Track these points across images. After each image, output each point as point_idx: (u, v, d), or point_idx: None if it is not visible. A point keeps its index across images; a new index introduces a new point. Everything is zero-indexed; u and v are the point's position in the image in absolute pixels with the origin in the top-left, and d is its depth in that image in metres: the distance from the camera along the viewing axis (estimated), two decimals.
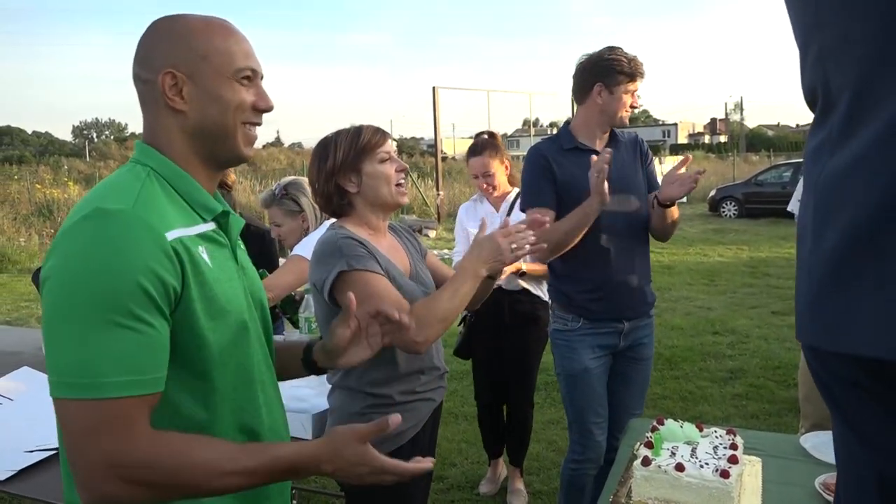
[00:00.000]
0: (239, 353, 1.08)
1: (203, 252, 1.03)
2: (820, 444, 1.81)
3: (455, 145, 40.59)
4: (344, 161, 1.72)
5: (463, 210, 3.38)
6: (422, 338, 1.53)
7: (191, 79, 1.05)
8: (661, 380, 4.89)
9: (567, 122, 2.54)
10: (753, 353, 5.50)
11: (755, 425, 4.01)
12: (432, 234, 14.49)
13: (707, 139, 69.16)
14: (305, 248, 2.49)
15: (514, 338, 3.15)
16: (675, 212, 2.38)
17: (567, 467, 2.51)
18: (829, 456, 1.71)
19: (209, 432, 1.02)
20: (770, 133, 69.68)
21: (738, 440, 1.67)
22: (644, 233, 2.45)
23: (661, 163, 15.61)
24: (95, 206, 0.94)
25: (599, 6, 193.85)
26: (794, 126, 76.60)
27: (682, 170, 2.27)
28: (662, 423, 1.74)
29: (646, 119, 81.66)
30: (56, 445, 1.28)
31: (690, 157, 2.39)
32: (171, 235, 0.97)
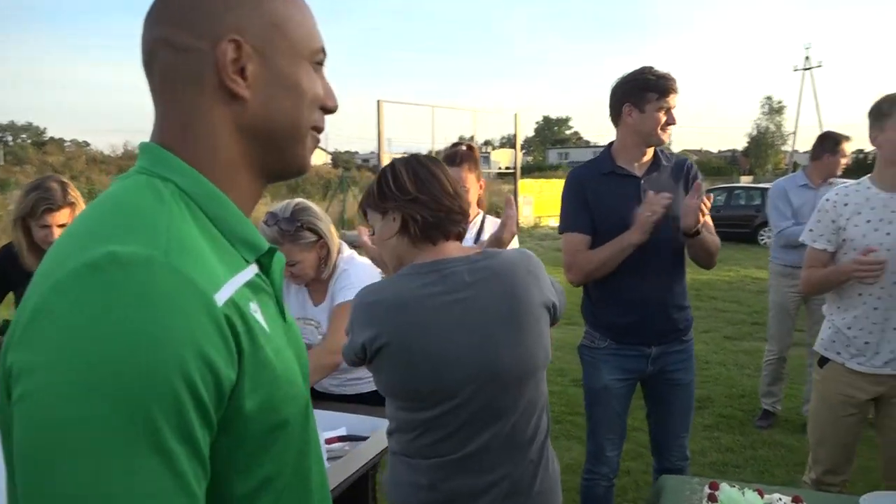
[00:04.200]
0: (300, 462, 0.76)
1: (256, 311, 0.71)
2: None
3: (391, 160, 40.48)
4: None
5: None
6: None
7: (260, 54, 0.74)
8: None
9: (609, 145, 2.46)
10: (716, 381, 5.44)
11: (733, 460, 3.89)
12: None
13: None
14: (353, 290, 2.19)
15: None
16: (707, 239, 2.32)
17: (583, 478, 2.56)
18: None
19: None
20: (694, 158, 72.45)
21: None
22: (679, 259, 2.41)
23: None
24: (108, 250, 0.60)
25: (543, 28, 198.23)
26: (715, 152, 79.73)
27: (695, 198, 2.23)
28: (717, 488, 1.53)
29: (577, 141, 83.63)
30: None
31: (701, 182, 2.28)
32: (221, 297, 0.65)
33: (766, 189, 13.86)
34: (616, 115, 2.36)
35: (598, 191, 2.35)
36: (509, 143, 29.28)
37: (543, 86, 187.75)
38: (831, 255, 2.40)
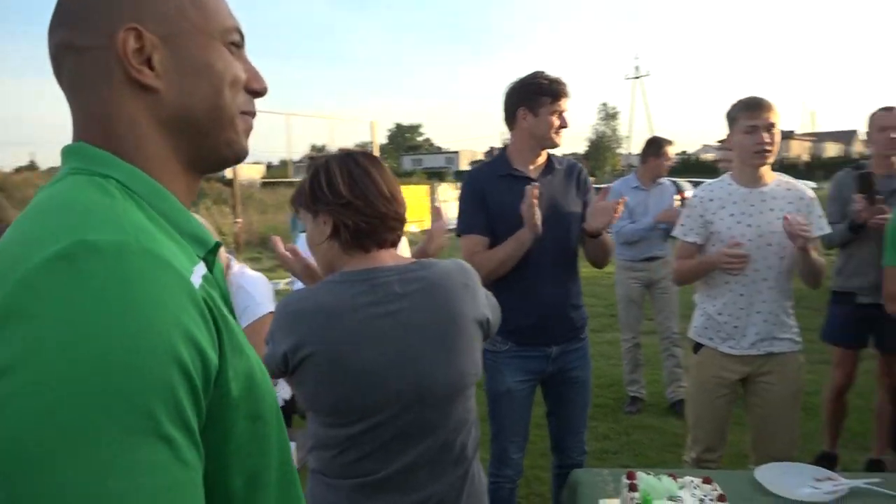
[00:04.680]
0: (283, 458, 0.74)
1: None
2: (773, 478, 1.76)
3: (242, 170, 39.13)
4: None
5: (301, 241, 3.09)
6: None
7: (166, 41, 0.70)
8: None
9: (504, 148, 2.50)
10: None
11: (610, 447, 4.09)
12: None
13: None
14: (261, 306, 2.10)
15: None
16: (607, 240, 2.44)
17: (487, 482, 2.43)
18: (790, 492, 1.66)
19: None
20: None
21: (717, 486, 1.57)
22: (575, 258, 2.47)
23: (458, 188, 16.26)
24: (77, 239, 0.56)
25: (394, 38, 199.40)
26: (559, 156, 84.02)
27: (604, 200, 2.33)
28: (634, 477, 1.58)
29: (429, 147, 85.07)
30: None
31: (611, 186, 2.40)
32: (195, 281, 0.62)
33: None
34: (511, 118, 2.41)
35: (496, 192, 2.38)
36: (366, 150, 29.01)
37: (396, 93, 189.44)
38: (700, 247, 2.58)
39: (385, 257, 1.42)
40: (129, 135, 0.70)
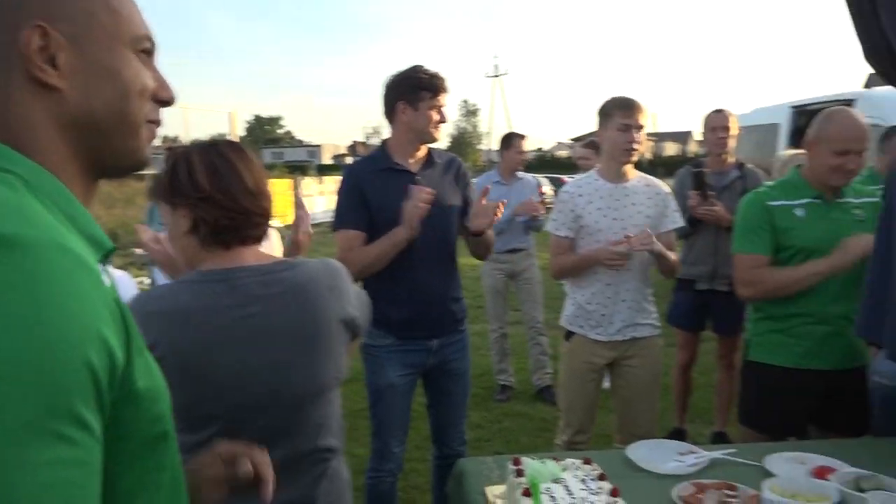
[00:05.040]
0: (175, 464, 0.75)
1: None
2: (643, 455, 1.87)
3: (186, 146, 36.46)
4: None
5: None
6: None
7: (73, 41, 0.69)
8: None
9: (385, 142, 2.47)
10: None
11: (483, 435, 4.20)
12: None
13: (349, 161, 73.20)
14: None
15: None
16: (489, 237, 2.52)
17: (368, 476, 2.53)
18: (659, 467, 1.78)
19: None
20: None
21: (597, 465, 1.65)
22: (454, 251, 2.51)
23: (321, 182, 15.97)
24: None
25: (251, 27, 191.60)
26: None
27: (484, 200, 2.40)
28: (520, 463, 1.63)
29: (290, 140, 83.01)
30: None
31: (489, 187, 2.50)
32: (105, 279, 0.64)
33: None
34: (390, 112, 2.40)
35: (375, 186, 2.37)
36: None
37: (253, 86, 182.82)
38: (572, 241, 2.71)
39: (247, 255, 1.35)
40: (28, 132, 0.68)
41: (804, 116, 7.18)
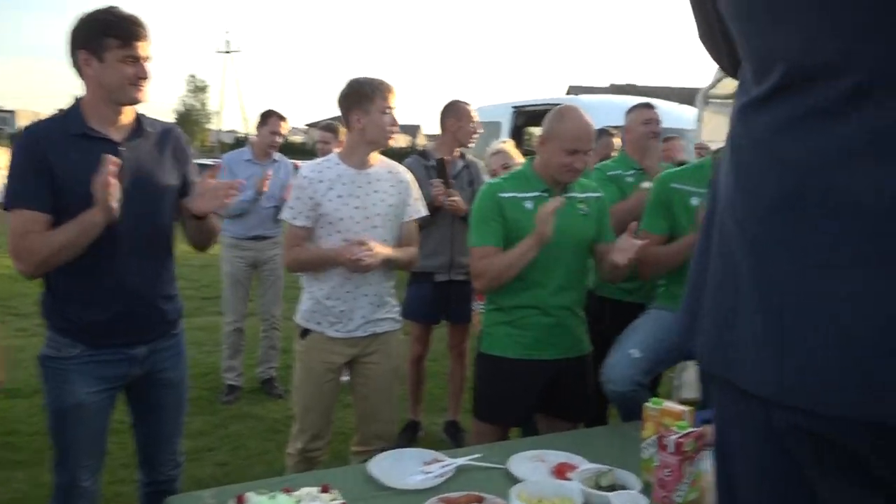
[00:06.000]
0: None
1: None
2: (385, 469, 1.70)
3: None
4: None
5: None
6: None
7: None
8: None
9: (78, 101, 1.94)
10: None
11: (206, 444, 3.76)
12: None
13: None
14: None
15: None
16: (214, 223, 2.16)
17: None
18: (404, 482, 1.62)
19: None
20: None
21: (336, 493, 1.43)
22: (169, 240, 2.11)
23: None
24: None
25: None
26: None
27: (214, 181, 2.03)
28: (244, 500, 1.35)
29: None
30: None
31: (221, 166, 2.08)
32: None
33: (206, 165, 14.15)
34: (75, 64, 1.90)
35: (67, 157, 1.86)
36: None
37: None
38: (310, 231, 2.45)
39: None
40: None
41: (522, 116, 7.86)
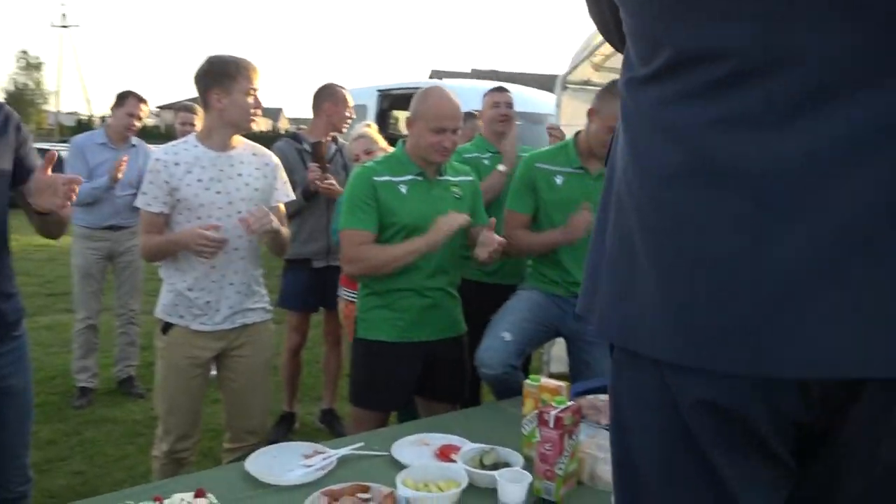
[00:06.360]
0: None
1: None
2: (263, 466, 1.62)
3: None
4: None
5: None
6: None
7: None
8: None
9: None
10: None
11: (59, 453, 3.45)
12: None
13: None
14: None
15: None
16: (65, 216, 1.97)
17: None
18: (285, 478, 1.56)
19: None
20: None
21: (212, 497, 1.34)
22: (1, 234, 1.89)
23: None
24: None
25: None
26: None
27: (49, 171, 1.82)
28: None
29: None
30: None
31: (56, 153, 1.84)
32: None
33: (44, 150, 13.04)
34: None
35: None
36: None
37: None
38: (167, 217, 2.28)
39: None
40: None
41: (387, 99, 7.82)
